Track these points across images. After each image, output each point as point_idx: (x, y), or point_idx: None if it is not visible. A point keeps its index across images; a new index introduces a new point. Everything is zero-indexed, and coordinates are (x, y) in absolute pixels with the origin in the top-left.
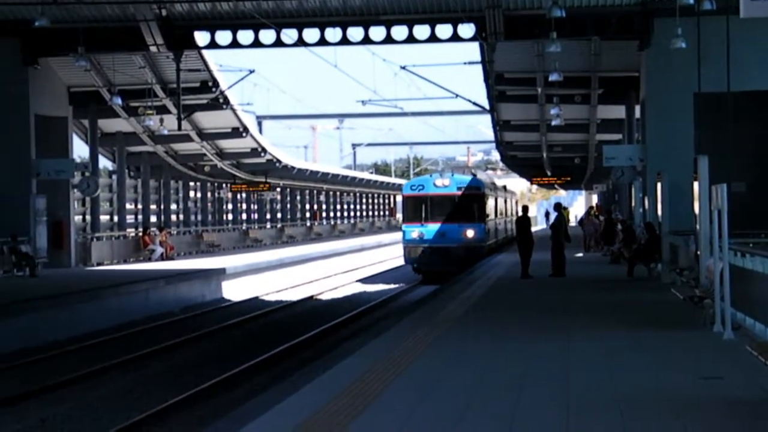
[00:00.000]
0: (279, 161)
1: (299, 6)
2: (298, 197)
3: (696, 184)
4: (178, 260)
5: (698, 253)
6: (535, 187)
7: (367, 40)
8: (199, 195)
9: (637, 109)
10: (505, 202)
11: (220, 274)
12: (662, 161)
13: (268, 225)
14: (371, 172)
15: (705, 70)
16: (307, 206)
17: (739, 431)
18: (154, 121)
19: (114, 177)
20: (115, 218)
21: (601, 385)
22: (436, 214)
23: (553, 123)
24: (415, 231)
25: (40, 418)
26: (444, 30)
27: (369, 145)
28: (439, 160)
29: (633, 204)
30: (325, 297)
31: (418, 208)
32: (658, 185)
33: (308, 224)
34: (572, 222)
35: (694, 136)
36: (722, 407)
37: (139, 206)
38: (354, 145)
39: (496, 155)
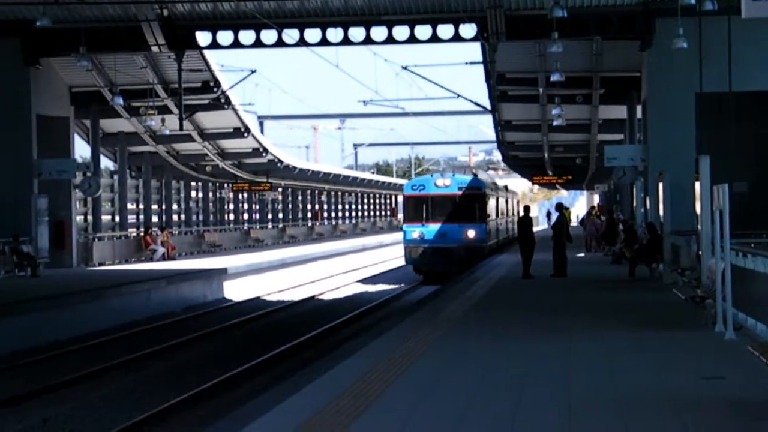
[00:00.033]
0: (280, 161)
1: (301, 6)
2: (300, 197)
3: (697, 184)
4: (180, 260)
5: (700, 253)
6: (536, 187)
7: (368, 41)
8: (200, 195)
9: (639, 109)
10: (507, 202)
11: (222, 274)
12: (664, 161)
13: (270, 225)
14: (373, 173)
15: (707, 70)
16: (309, 206)
17: (741, 431)
18: (156, 121)
19: (115, 177)
20: (117, 218)
21: (602, 386)
22: (437, 214)
23: (555, 123)
24: (416, 231)
25: (42, 418)
26: (445, 30)
27: (370, 145)
28: (440, 160)
29: (634, 204)
30: (326, 297)
31: (419, 208)
32: (660, 185)
33: (310, 224)
34: (574, 222)
35: (695, 136)
36: (724, 407)
37: (141, 206)
38: (355, 145)
39: (497, 155)
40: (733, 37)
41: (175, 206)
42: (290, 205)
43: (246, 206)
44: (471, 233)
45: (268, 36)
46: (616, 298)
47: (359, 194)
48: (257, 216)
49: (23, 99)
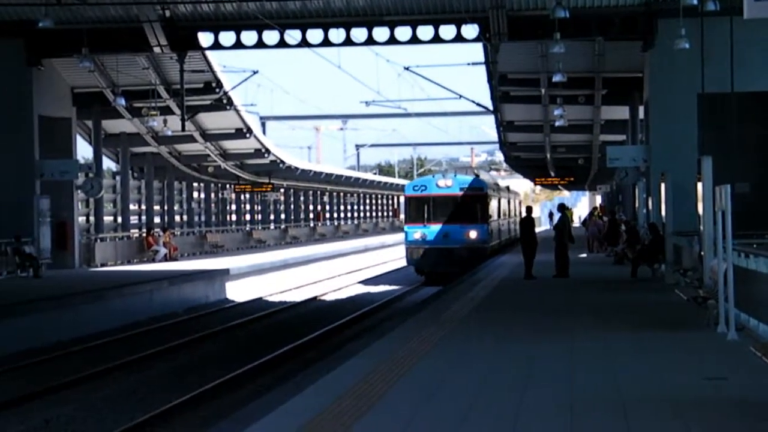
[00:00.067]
0: (282, 162)
1: (303, 7)
2: (302, 198)
3: (700, 185)
4: (182, 261)
5: (702, 253)
6: (538, 187)
7: (370, 41)
8: (202, 196)
9: (641, 109)
10: (509, 202)
11: (224, 274)
12: (666, 162)
13: (272, 226)
14: (375, 173)
15: (709, 71)
16: (311, 207)
17: None
18: (158, 122)
19: (118, 178)
20: (119, 219)
21: (604, 386)
22: (439, 214)
23: (557, 124)
24: (417, 232)
25: (44, 419)
26: (448, 31)
27: (372, 145)
28: (442, 160)
29: (637, 205)
30: (328, 298)
31: (420, 208)
32: (662, 186)
33: (312, 225)
34: (576, 223)
35: (697, 136)
36: (726, 408)
37: (143, 207)
38: (357, 146)
39: (499, 156)
40: (736, 38)
41: (177, 207)
42: (292, 206)
43: (248, 207)
44: (473, 234)
45: (270, 36)
46: (618, 298)
47: (361, 195)
48: (259, 217)
49: (25, 100)
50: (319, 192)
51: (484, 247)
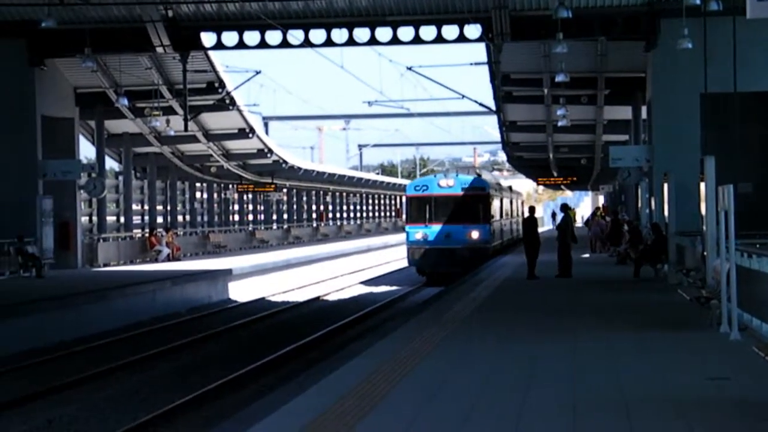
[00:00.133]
0: (285, 162)
1: (305, 7)
2: (305, 198)
3: (702, 185)
4: (185, 261)
5: (705, 253)
6: (541, 187)
7: (373, 41)
8: (205, 196)
9: (644, 109)
10: (511, 202)
11: (227, 275)
12: (669, 162)
13: (275, 226)
14: (377, 173)
15: (711, 71)
16: (314, 207)
17: None
18: (161, 122)
19: (120, 178)
20: (122, 219)
21: (607, 386)
22: (441, 214)
23: (560, 124)
24: (419, 232)
25: (47, 419)
26: (450, 31)
27: (375, 145)
28: (445, 161)
29: (639, 205)
30: (331, 298)
31: (422, 208)
32: (665, 186)
33: (314, 225)
34: (579, 223)
35: (700, 136)
36: (729, 408)
37: (146, 207)
38: (360, 146)
39: (502, 156)
40: (738, 38)
41: (179, 207)
42: (295, 206)
43: (251, 207)
44: (475, 234)
45: (273, 37)
46: (621, 298)
47: (364, 195)
48: (262, 217)
49: (28, 100)
50: (321, 192)
51: (486, 248)
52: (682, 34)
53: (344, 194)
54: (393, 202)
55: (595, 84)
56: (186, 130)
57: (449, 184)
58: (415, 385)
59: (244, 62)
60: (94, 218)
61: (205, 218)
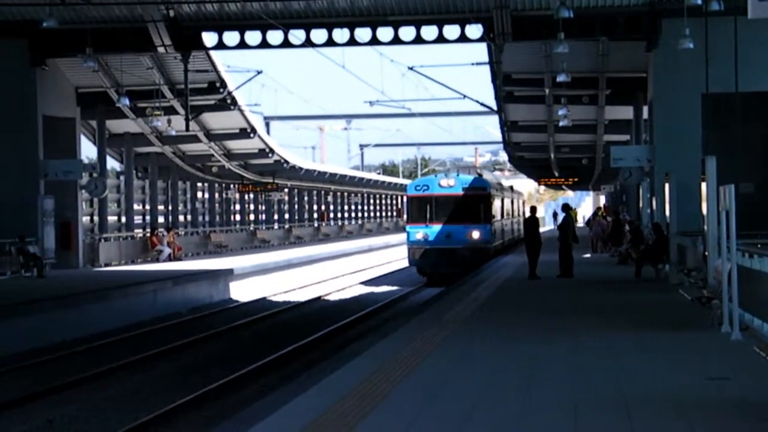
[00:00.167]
0: (286, 162)
1: (307, 7)
2: (306, 198)
3: (704, 185)
4: (186, 261)
5: (706, 253)
6: (542, 187)
7: (374, 41)
8: (206, 196)
9: (645, 109)
10: (512, 202)
11: (228, 274)
12: (670, 162)
13: (276, 226)
14: (379, 173)
15: (713, 71)
16: (315, 207)
17: None
18: (162, 121)
19: (122, 178)
20: (123, 219)
21: (608, 386)
22: (441, 214)
23: (561, 124)
24: (419, 232)
25: (47, 419)
26: (452, 31)
27: (376, 145)
28: (446, 160)
29: (641, 205)
30: (332, 298)
31: (422, 208)
32: (666, 186)
33: (316, 225)
34: (580, 223)
35: (702, 136)
36: (729, 408)
37: (147, 207)
38: (361, 146)
39: (503, 156)
40: (740, 38)
41: (181, 207)
42: (296, 206)
43: (252, 207)
44: (476, 234)
45: (275, 37)
46: (622, 298)
47: (365, 195)
48: (263, 217)
49: (29, 100)
50: (323, 192)
51: (487, 248)
52: (684, 34)
53: (345, 194)
54: (394, 202)
55: (597, 84)
56: (187, 129)
57: (450, 184)
58: (416, 385)
59: (246, 62)
60: (96, 218)
61: (207, 218)
